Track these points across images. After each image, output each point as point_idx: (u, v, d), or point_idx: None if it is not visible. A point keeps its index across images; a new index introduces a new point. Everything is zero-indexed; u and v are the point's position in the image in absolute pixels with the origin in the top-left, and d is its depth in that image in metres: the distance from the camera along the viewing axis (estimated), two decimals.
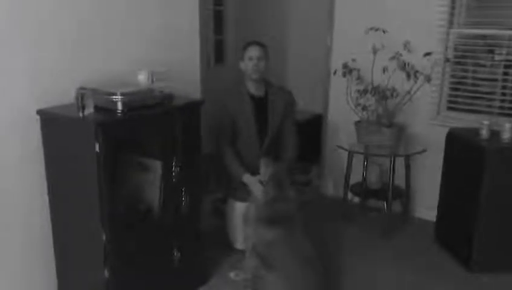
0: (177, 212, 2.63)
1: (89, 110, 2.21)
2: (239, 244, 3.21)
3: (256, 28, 5.20)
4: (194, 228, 2.76)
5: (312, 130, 5.08)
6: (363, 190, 3.85)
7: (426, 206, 3.78)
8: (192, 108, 2.60)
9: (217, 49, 5.39)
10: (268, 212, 2.80)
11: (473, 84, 3.66)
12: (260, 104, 3.26)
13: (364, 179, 3.86)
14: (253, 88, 3.24)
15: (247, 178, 3.08)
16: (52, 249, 2.46)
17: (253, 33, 4.74)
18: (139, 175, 2.55)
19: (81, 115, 2.18)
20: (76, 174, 2.26)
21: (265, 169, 2.90)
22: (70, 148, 2.24)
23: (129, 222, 2.41)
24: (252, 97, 3.24)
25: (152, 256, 2.52)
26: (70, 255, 2.43)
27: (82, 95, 2.20)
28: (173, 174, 2.55)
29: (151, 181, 2.55)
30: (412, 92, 3.49)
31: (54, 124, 2.28)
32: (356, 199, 3.95)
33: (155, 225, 2.56)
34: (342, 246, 3.42)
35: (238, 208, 3.17)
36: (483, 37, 3.58)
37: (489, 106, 3.60)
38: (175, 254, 2.65)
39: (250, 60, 3.16)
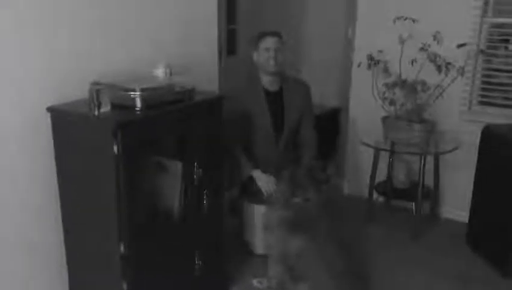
0: (199, 217, 2.44)
1: (105, 107, 2.01)
2: (259, 249, 3.02)
3: (270, 17, 4.97)
4: (217, 234, 2.57)
5: (329, 125, 4.89)
6: (388, 189, 3.64)
7: (456, 206, 3.59)
8: (214, 104, 2.39)
9: (229, 40, 5.17)
10: (290, 217, 2.61)
11: (508, 77, 3.44)
12: (276, 100, 3.06)
13: (389, 177, 3.66)
14: (268, 83, 3.04)
15: (256, 173, 2.90)
16: (65, 261, 2.27)
17: (267, 23, 4.52)
18: (158, 177, 2.35)
19: (96, 113, 1.98)
20: (91, 179, 2.05)
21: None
22: (84, 149, 2.04)
23: (148, 228, 2.21)
24: (267, 92, 3.04)
25: (173, 265, 2.33)
26: (85, 267, 2.23)
27: (97, 91, 1.99)
28: (194, 175, 2.35)
29: (171, 183, 2.35)
30: (445, 86, 3.27)
31: (66, 123, 2.07)
32: (380, 199, 3.75)
33: (175, 231, 2.36)
34: (367, 250, 3.22)
35: (257, 211, 2.99)
36: None
37: None
38: (196, 261, 2.46)
39: (266, 51, 2.94)
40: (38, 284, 2.21)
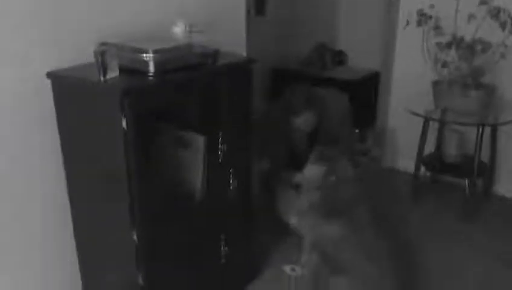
0: (224, 198, 2.13)
1: (113, 72, 1.68)
2: (292, 219, 2.71)
3: None
4: (245, 217, 2.27)
5: (367, 91, 4.48)
6: (437, 163, 3.24)
7: None
8: (242, 68, 2.04)
9: None
10: (326, 201, 2.29)
11: None
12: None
13: (438, 150, 3.25)
14: None
15: (298, 177, 2.61)
16: (75, 249, 2.01)
17: None
18: (176, 153, 2.05)
19: (102, 78, 1.66)
20: (98, 157, 1.76)
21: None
22: (89, 122, 1.74)
23: (166, 212, 1.93)
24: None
25: (195, 252, 2.05)
26: (96, 257, 1.98)
27: (103, 52, 1.67)
28: (219, 152, 2.03)
29: (192, 160, 2.04)
30: (509, 45, 2.81)
31: (68, 91, 1.77)
32: (427, 174, 3.36)
33: (197, 215, 2.07)
34: (414, 233, 2.86)
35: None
36: None
37: None
38: (222, 248, 2.17)
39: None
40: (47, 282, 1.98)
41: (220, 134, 2.01)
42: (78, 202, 1.91)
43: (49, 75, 1.74)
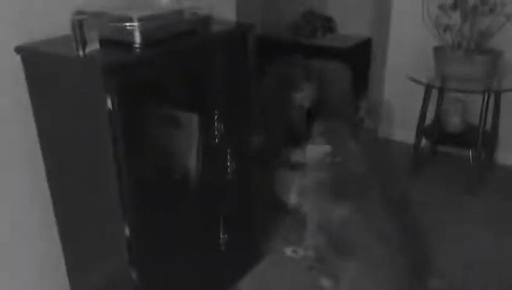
0: (222, 182, 1.95)
1: (93, 45, 1.46)
2: (292, 199, 2.55)
3: None
4: (245, 201, 2.09)
5: (359, 59, 4.28)
6: (438, 133, 3.09)
7: None
8: (238, 37, 1.83)
9: None
10: (332, 181, 2.12)
11: None
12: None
13: (439, 120, 3.10)
14: None
15: (297, 155, 2.42)
16: (60, 249, 1.82)
17: None
18: (168, 135, 1.84)
19: (81, 53, 1.43)
20: (81, 143, 1.55)
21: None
22: (69, 103, 1.52)
23: (159, 201, 1.73)
24: None
25: (192, 241, 1.87)
26: (85, 256, 1.78)
27: (81, 22, 1.44)
28: (215, 131, 1.84)
29: (186, 142, 1.84)
30: None
31: (41, 68, 1.54)
32: (427, 145, 3.21)
33: (194, 201, 1.88)
34: (419, 209, 2.72)
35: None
36: None
37: None
38: (221, 235, 2.00)
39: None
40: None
41: (216, 112, 1.80)
42: (61, 196, 1.71)
43: (19, 50, 1.50)
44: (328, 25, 4.49)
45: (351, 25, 4.39)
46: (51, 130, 1.61)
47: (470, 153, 2.84)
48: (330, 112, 2.61)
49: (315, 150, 2.17)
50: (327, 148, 2.14)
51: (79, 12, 1.48)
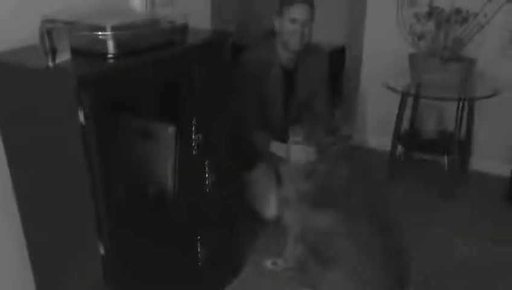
0: (200, 195, 1.89)
1: (64, 55, 1.39)
2: (269, 212, 2.51)
3: None
4: (224, 214, 2.03)
5: (332, 67, 4.29)
6: (414, 140, 3.10)
7: (490, 158, 3.10)
8: (216, 45, 1.78)
9: None
10: (313, 189, 2.10)
11: None
12: (289, 77, 2.49)
13: (412, 127, 3.12)
14: (285, 59, 2.43)
15: (276, 146, 2.34)
16: (31, 272, 1.73)
17: None
18: (145, 146, 1.78)
19: (51, 63, 1.36)
20: (52, 159, 1.46)
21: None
22: (38, 117, 1.44)
23: (134, 217, 1.67)
24: (284, 70, 2.44)
25: (169, 258, 1.80)
26: (57, 280, 1.69)
27: (50, 31, 1.37)
28: (193, 143, 1.78)
29: (162, 154, 1.77)
30: (489, 15, 2.67)
31: (6, 81, 1.46)
32: (403, 151, 3.23)
33: (170, 216, 1.82)
34: (395, 213, 2.72)
35: (258, 170, 2.53)
36: None
37: None
38: (199, 249, 1.94)
39: (292, 23, 2.30)
40: None
41: (194, 122, 1.75)
42: (30, 215, 1.62)
43: None
44: None
45: (324, 33, 4.40)
46: (19, 146, 1.52)
47: (445, 159, 2.86)
48: (306, 105, 2.56)
49: (300, 152, 2.15)
50: (311, 152, 2.12)
51: (48, 21, 1.41)
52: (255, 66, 2.36)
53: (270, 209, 2.51)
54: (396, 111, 2.95)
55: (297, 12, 2.30)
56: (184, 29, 1.66)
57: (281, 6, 2.35)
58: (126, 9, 1.71)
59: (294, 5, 2.30)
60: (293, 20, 2.30)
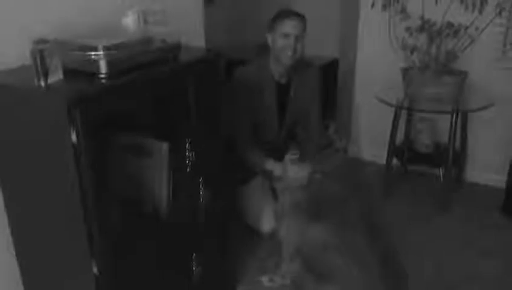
0: (195, 212, 1.88)
1: (55, 75, 1.39)
2: (265, 226, 2.50)
3: None
4: (218, 232, 2.02)
5: (326, 80, 4.31)
6: (409, 153, 3.11)
7: (485, 169, 3.11)
8: (210, 65, 1.78)
9: None
10: (309, 202, 2.10)
11: None
12: (282, 92, 2.51)
13: (407, 139, 3.13)
14: (278, 74, 2.45)
15: (272, 165, 2.36)
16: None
17: None
18: (138, 164, 1.77)
19: (42, 84, 1.36)
20: (44, 180, 1.46)
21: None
22: (29, 138, 1.43)
23: (128, 235, 1.66)
24: (277, 85, 2.46)
25: (163, 277, 1.78)
26: None
27: (42, 51, 1.37)
28: (187, 160, 1.78)
29: (155, 172, 1.77)
30: (480, 28, 2.70)
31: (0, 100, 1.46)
32: (398, 164, 3.23)
33: (164, 234, 1.80)
34: (390, 225, 2.72)
35: (253, 184, 2.54)
36: None
37: None
38: (194, 268, 1.92)
39: (284, 38, 2.33)
40: None
41: (188, 140, 1.75)
42: (21, 234, 1.61)
43: None
44: None
45: (317, 46, 4.42)
46: (9, 167, 1.51)
47: (440, 172, 2.87)
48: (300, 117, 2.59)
49: (296, 170, 2.16)
50: (308, 167, 2.13)
51: (40, 41, 1.41)
52: (248, 83, 2.37)
53: (266, 223, 2.50)
54: (390, 124, 2.96)
55: (290, 27, 2.31)
56: (177, 48, 1.66)
57: (273, 22, 2.37)
58: (119, 28, 1.71)
59: (286, 20, 2.32)
60: (286, 35, 2.32)
